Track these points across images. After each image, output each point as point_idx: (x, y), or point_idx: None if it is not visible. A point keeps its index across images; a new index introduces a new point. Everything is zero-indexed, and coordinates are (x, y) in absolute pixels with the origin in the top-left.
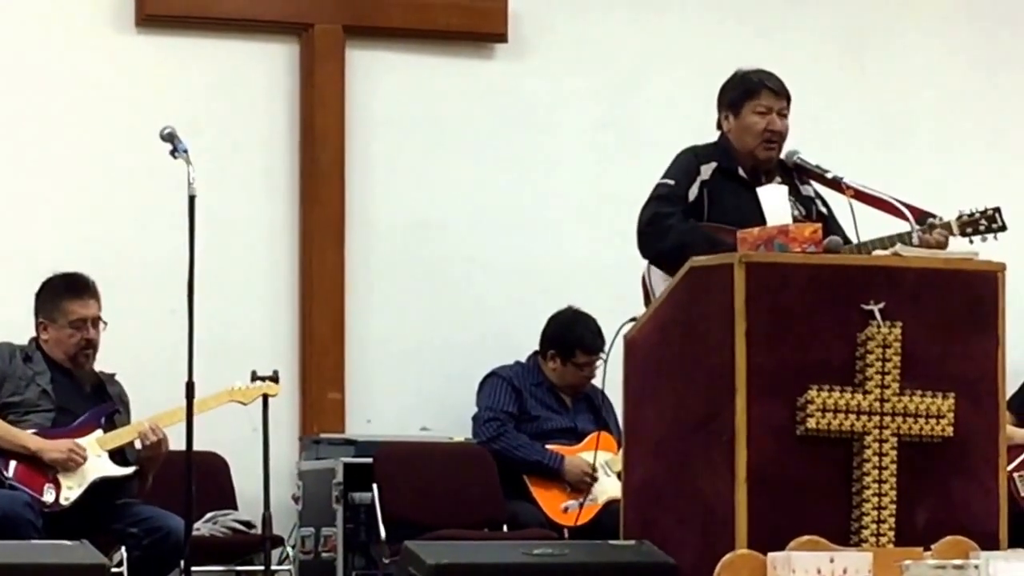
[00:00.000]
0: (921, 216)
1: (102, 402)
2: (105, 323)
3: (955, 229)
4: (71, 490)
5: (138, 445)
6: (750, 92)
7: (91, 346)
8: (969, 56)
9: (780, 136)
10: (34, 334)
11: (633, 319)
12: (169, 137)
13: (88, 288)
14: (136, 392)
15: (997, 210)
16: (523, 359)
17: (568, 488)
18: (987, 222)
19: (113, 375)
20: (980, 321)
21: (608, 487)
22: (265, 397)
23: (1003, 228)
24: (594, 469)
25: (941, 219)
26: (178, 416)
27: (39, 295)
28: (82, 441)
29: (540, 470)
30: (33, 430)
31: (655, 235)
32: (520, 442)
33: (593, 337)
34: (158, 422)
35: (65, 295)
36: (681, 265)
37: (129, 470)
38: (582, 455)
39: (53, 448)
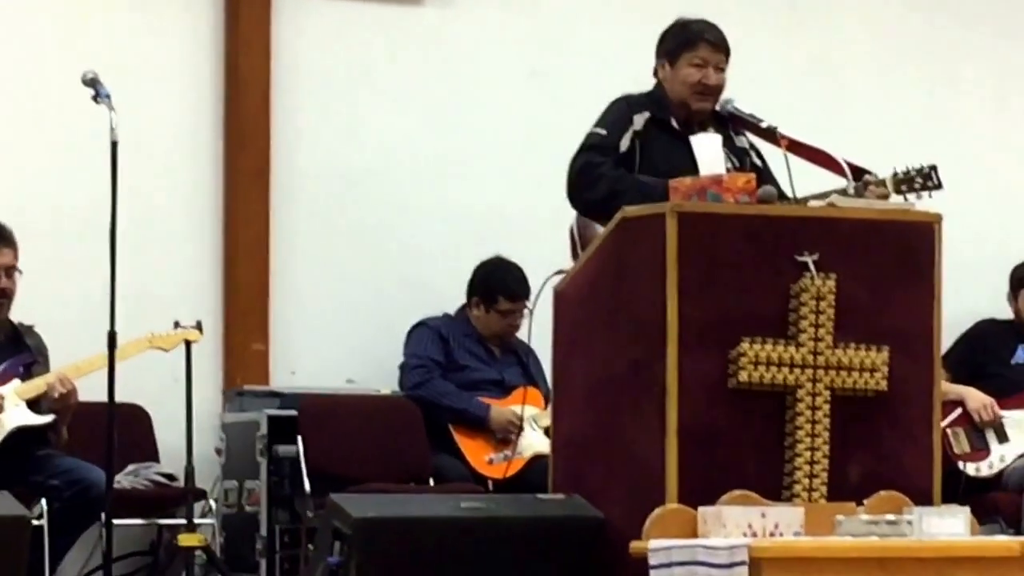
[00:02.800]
0: (856, 172)
1: (18, 353)
2: (20, 271)
3: (890, 187)
4: None
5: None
6: (689, 43)
7: (5, 295)
8: (904, 7)
9: (714, 90)
10: None
11: (560, 272)
12: (91, 82)
13: (2, 236)
14: (58, 343)
15: (933, 168)
16: (451, 311)
17: (494, 440)
18: (923, 180)
19: (31, 327)
20: (916, 273)
21: (534, 442)
22: (188, 348)
23: (938, 186)
24: (521, 419)
25: (876, 177)
26: (98, 364)
27: None
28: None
29: (466, 419)
30: None
31: (585, 185)
32: (447, 390)
33: (517, 284)
34: (80, 370)
35: None
36: (611, 215)
37: (48, 419)
38: (512, 409)
39: None
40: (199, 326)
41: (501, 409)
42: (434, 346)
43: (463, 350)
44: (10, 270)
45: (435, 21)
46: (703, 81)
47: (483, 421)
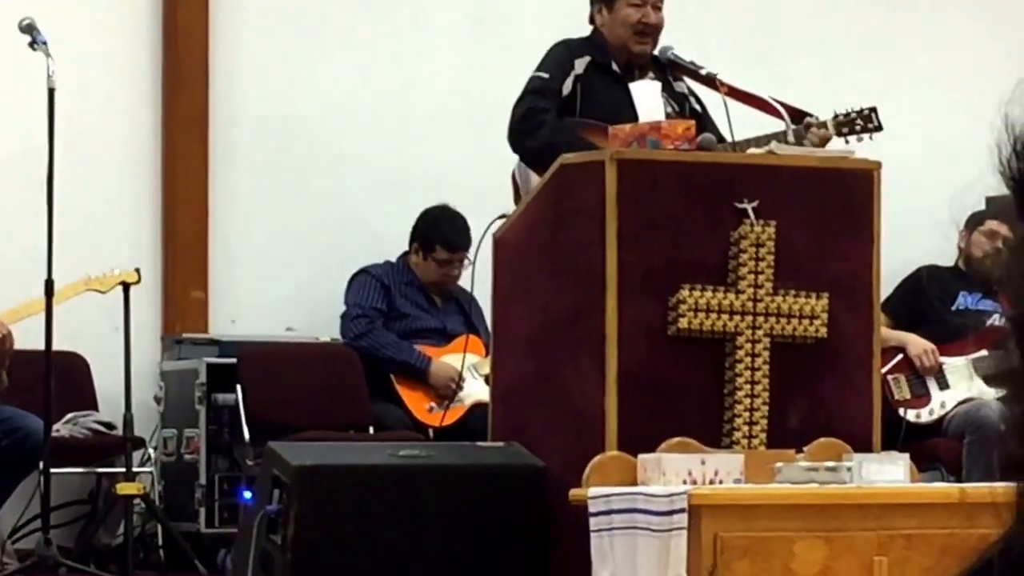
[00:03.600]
0: (796, 116)
1: None
2: None
3: (831, 129)
4: None
5: None
6: None
7: None
8: None
9: (654, 29)
10: None
11: (503, 216)
12: (28, 28)
13: None
14: None
15: (873, 110)
16: (392, 259)
17: (434, 390)
18: (863, 122)
19: None
20: (855, 220)
21: (475, 390)
22: (127, 295)
23: (879, 128)
24: (461, 377)
25: (817, 119)
26: (34, 308)
27: None
28: None
29: (407, 370)
30: None
31: (526, 132)
32: (388, 340)
33: (457, 234)
34: (16, 314)
35: None
36: (551, 163)
37: None
38: (450, 359)
39: None
40: (138, 273)
41: (442, 365)
42: (375, 294)
43: (404, 298)
44: None
45: None
46: (643, 20)
47: (423, 374)
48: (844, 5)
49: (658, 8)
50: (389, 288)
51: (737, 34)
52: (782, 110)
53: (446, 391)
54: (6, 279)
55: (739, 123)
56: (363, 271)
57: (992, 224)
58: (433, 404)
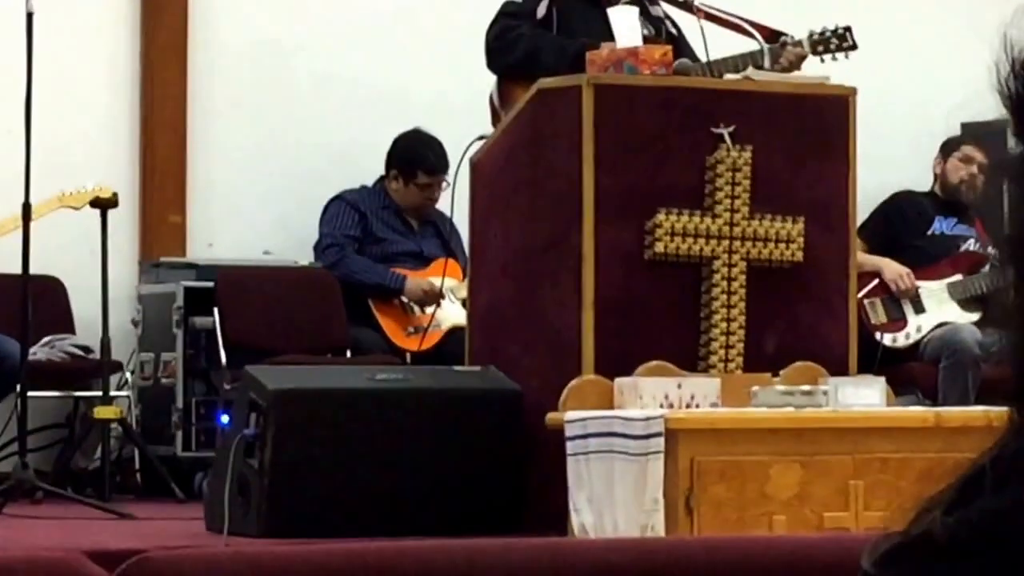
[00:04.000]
0: (772, 36)
1: None
2: None
3: (806, 47)
4: None
5: None
6: None
7: None
8: None
9: None
10: None
11: (482, 137)
12: None
13: None
14: None
15: (848, 29)
16: (368, 183)
17: (412, 312)
18: (838, 41)
19: None
20: (831, 146)
21: (452, 314)
22: (104, 218)
23: (854, 47)
24: (440, 289)
25: (792, 38)
26: (9, 226)
27: None
28: None
29: (382, 291)
30: None
31: (504, 48)
32: (361, 266)
33: (436, 158)
34: None
35: None
36: (533, 75)
37: None
38: (427, 279)
39: None
40: (115, 197)
41: (416, 280)
42: (349, 220)
43: (381, 223)
44: None
45: None
46: None
47: (399, 293)
48: None
49: None
50: (365, 214)
51: None
52: (756, 33)
53: (423, 302)
54: None
55: (715, 44)
56: (337, 197)
57: (967, 149)
58: (411, 328)
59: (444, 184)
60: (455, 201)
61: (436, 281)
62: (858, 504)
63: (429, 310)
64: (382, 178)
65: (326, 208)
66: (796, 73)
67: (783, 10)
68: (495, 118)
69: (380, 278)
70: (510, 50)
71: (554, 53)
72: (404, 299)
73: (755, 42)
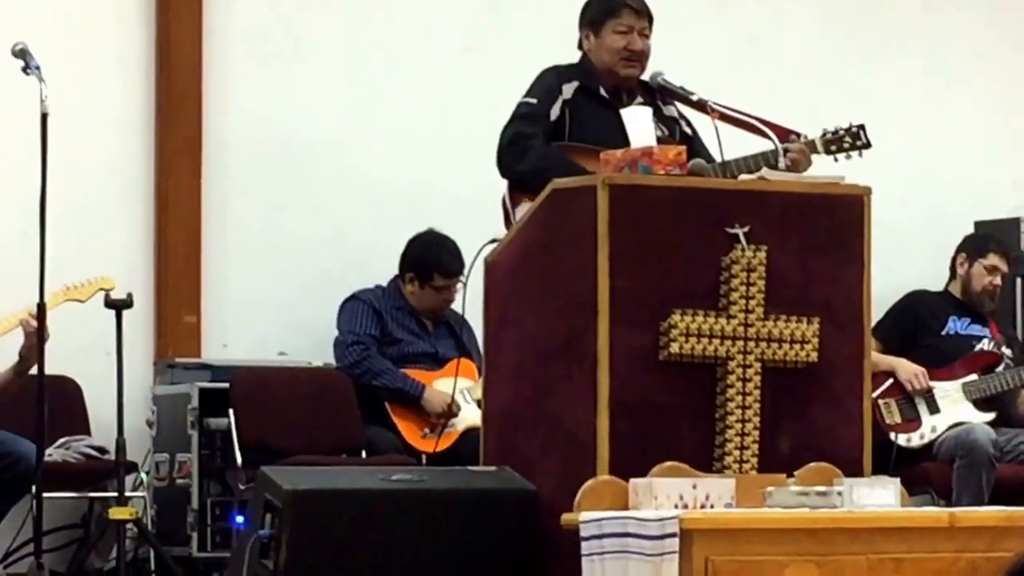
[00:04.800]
0: (785, 135)
1: None
2: None
3: (819, 147)
4: None
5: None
6: (611, 10)
7: None
8: None
9: (641, 55)
10: None
11: (494, 240)
12: (21, 53)
13: None
14: None
15: (861, 127)
16: (382, 283)
17: (428, 414)
18: (851, 139)
19: None
20: (845, 245)
21: (467, 414)
22: (119, 318)
23: (867, 145)
24: (454, 402)
25: (806, 137)
26: (8, 325)
27: None
28: None
29: (401, 397)
30: None
31: (514, 156)
32: (383, 367)
33: (451, 259)
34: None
35: None
36: (540, 187)
37: None
38: (443, 384)
39: None
40: (130, 298)
41: (435, 391)
42: (369, 320)
43: (396, 323)
44: None
45: None
46: (629, 47)
47: (418, 401)
48: (837, 29)
49: (645, 35)
50: (381, 313)
51: (729, 58)
52: (771, 134)
53: (440, 418)
54: None
55: (729, 144)
56: (353, 297)
57: (995, 259)
58: (427, 429)
59: (459, 284)
60: (468, 301)
61: (449, 385)
62: None
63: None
64: (396, 278)
65: (343, 307)
66: (810, 172)
67: (797, 109)
68: (508, 220)
69: (401, 383)
70: (519, 160)
71: (563, 173)
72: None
73: (769, 142)
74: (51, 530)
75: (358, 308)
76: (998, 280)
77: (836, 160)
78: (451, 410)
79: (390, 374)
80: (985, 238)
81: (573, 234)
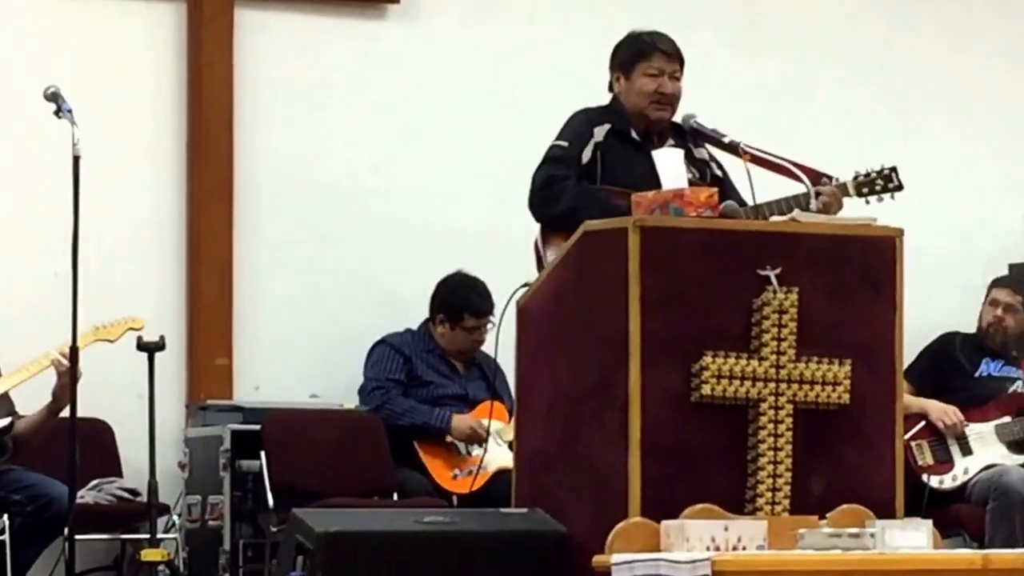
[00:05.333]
0: (817, 178)
1: None
2: None
3: (851, 190)
4: None
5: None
6: (642, 54)
7: None
8: (867, 17)
9: (672, 98)
10: None
11: (526, 285)
12: (53, 97)
13: None
14: (19, 357)
15: (893, 169)
16: (413, 326)
17: (458, 454)
18: (883, 182)
19: None
20: (877, 287)
21: (499, 456)
22: (151, 361)
23: (899, 188)
24: (487, 428)
25: (837, 180)
26: (34, 369)
27: None
28: None
29: (428, 431)
30: None
31: (548, 198)
32: (405, 407)
33: (481, 300)
34: (20, 375)
35: None
36: (575, 228)
37: (4, 421)
38: (475, 419)
39: None
40: (162, 340)
41: (462, 418)
42: (393, 364)
43: (426, 366)
44: None
45: (399, 35)
46: (659, 90)
47: (445, 432)
48: (869, 74)
49: (676, 78)
50: (410, 358)
51: (761, 101)
52: (804, 176)
53: (470, 440)
54: (31, 345)
55: (760, 186)
56: (381, 341)
57: (995, 292)
58: (457, 470)
59: (489, 325)
60: (500, 345)
61: (483, 421)
62: None
63: (476, 451)
64: (427, 321)
65: (370, 352)
66: (842, 213)
67: (828, 151)
68: (540, 263)
69: (426, 417)
70: (553, 203)
71: (595, 214)
72: (450, 439)
73: (800, 185)
74: (83, 572)
75: (385, 352)
76: (1000, 312)
77: (868, 203)
78: (477, 433)
79: (414, 412)
80: (1003, 276)
81: (604, 276)
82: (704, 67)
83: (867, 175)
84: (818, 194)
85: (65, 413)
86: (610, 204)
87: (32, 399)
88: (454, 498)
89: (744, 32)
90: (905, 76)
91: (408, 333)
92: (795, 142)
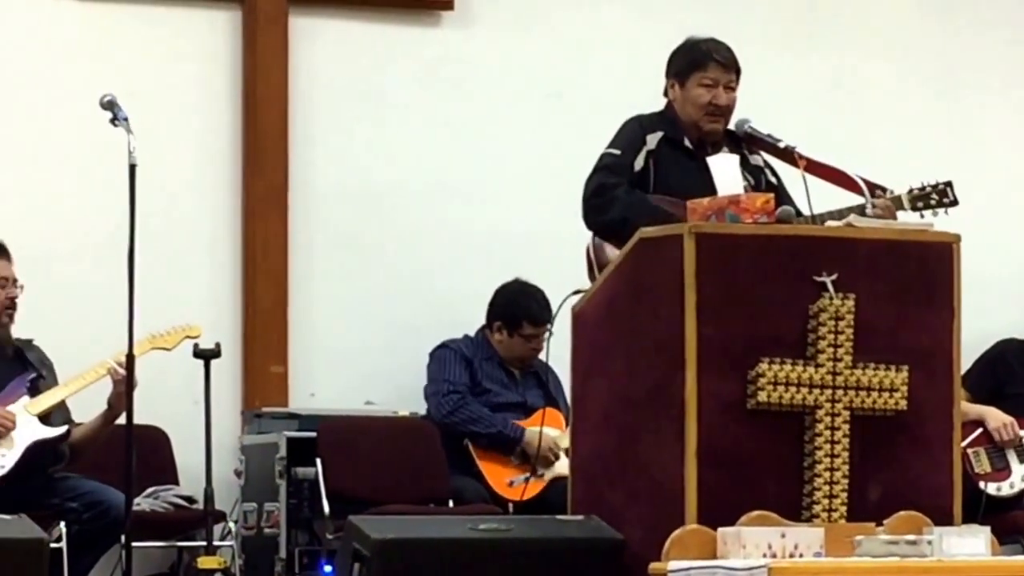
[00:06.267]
0: (871, 190)
1: (23, 369)
2: (22, 286)
3: (906, 203)
4: (4, 457)
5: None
6: (698, 63)
7: (12, 306)
8: (922, 25)
9: (725, 110)
10: None
11: (578, 291)
12: (109, 105)
13: (5, 249)
14: (75, 366)
15: (948, 184)
16: (468, 331)
17: (515, 462)
18: (938, 196)
19: (30, 340)
20: (935, 293)
21: (555, 464)
22: (207, 368)
23: (954, 203)
24: (559, 447)
25: (892, 192)
26: (89, 378)
27: None
28: (10, 408)
29: (501, 441)
30: None
31: (600, 206)
32: (480, 414)
33: (540, 309)
34: (76, 384)
35: None
36: (626, 237)
37: (61, 430)
38: (534, 432)
39: None
40: (218, 348)
41: (534, 432)
42: (461, 369)
43: (484, 374)
44: (14, 281)
45: (453, 41)
46: (713, 102)
47: (517, 443)
48: (926, 76)
49: (731, 88)
50: (471, 362)
51: (816, 105)
52: (862, 183)
53: (545, 459)
54: (87, 353)
55: (815, 195)
56: (444, 345)
57: None
58: (514, 478)
59: (547, 333)
60: (553, 350)
61: (561, 440)
62: None
63: (546, 473)
64: (484, 328)
65: (433, 356)
66: (899, 218)
67: (883, 158)
68: (591, 270)
69: (501, 427)
70: (605, 210)
71: (649, 222)
72: (521, 449)
73: (854, 197)
74: None
75: (449, 356)
76: None
77: (922, 217)
78: (554, 453)
79: (488, 420)
80: None
81: (660, 283)
82: (754, 66)
83: (922, 189)
84: (873, 206)
85: (122, 421)
86: (662, 212)
87: (88, 407)
88: (510, 505)
89: (799, 34)
90: (960, 77)
91: (466, 339)
92: (846, 146)
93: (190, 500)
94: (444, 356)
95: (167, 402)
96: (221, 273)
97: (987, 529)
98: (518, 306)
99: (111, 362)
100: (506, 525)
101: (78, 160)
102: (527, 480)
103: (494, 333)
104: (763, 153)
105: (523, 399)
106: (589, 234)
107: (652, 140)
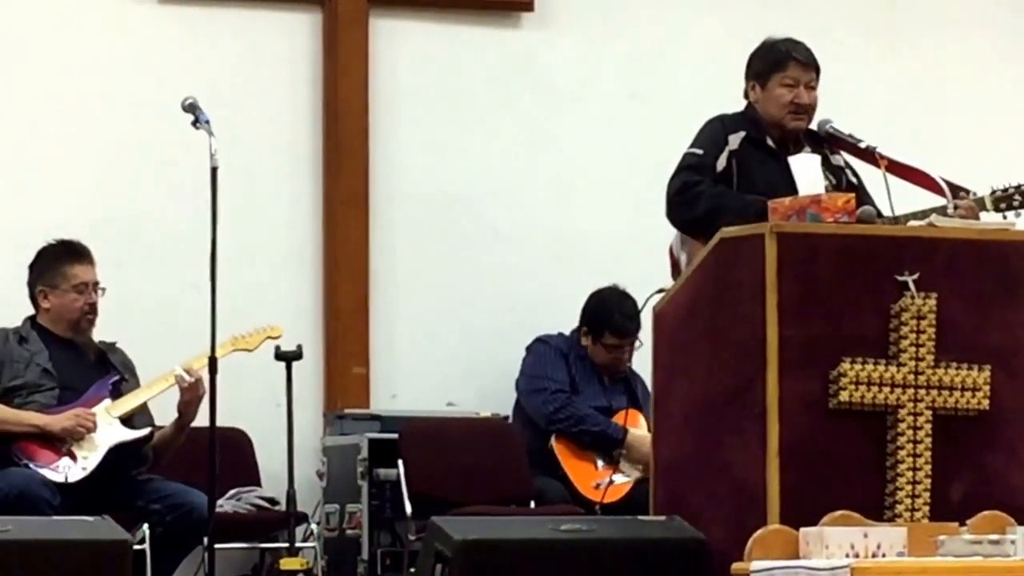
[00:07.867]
0: (954, 191)
1: (105, 372)
2: (104, 289)
3: (988, 204)
4: (87, 459)
5: (186, 383)
6: (778, 63)
7: (94, 311)
8: (1008, 16)
9: (808, 108)
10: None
11: (661, 290)
12: (191, 108)
13: (88, 252)
14: (158, 369)
15: None
16: (548, 332)
17: (601, 463)
18: (1021, 197)
19: (114, 343)
20: (1017, 292)
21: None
22: (289, 370)
23: None
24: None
25: (974, 194)
26: (161, 385)
27: (35, 264)
28: (92, 411)
29: (603, 440)
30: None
31: (686, 203)
32: (585, 412)
33: (624, 320)
34: (152, 388)
35: (66, 260)
36: (713, 231)
37: (144, 432)
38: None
39: (60, 418)
40: (299, 350)
41: (637, 435)
42: (561, 365)
43: (578, 373)
44: (96, 286)
45: (532, 44)
46: (795, 101)
47: (619, 444)
48: (1009, 74)
49: (812, 87)
50: (568, 359)
51: (899, 103)
52: (943, 184)
53: (642, 460)
54: (170, 356)
55: (895, 195)
56: (542, 341)
57: None
58: (599, 480)
59: (637, 344)
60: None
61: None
62: None
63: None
64: (578, 328)
65: (531, 349)
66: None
67: (964, 156)
68: (675, 269)
69: (605, 426)
70: (691, 206)
71: (735, 212)
72: (621, 451)
73: (936, 198)
74: None
75: (549, 353)
76: None
77: (1005, 218)
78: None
79: (592, 418)
80: None
81: (741, 283)
82: (836, 65)
83: (1004, 190)
84: (956, 207)
85: (205, 423)
86: (749, 203)
87: (169, 412)
88: (597, 507)
89: (880, 33)
90: None
91: (561, 337)
92: (927, 144)
93: (272, 502)
94: (543, 352)
95: (249, 404)
96: (302, 275)
97: None
98: (603, 314)
99: (179, 370)
100: (588, 526)
101: (160, 163)
102: (611, 483)
103: (583, 336)
104: (844, 153)
105: (608, 404)
106: (670, 233)
107: (735, 140)
